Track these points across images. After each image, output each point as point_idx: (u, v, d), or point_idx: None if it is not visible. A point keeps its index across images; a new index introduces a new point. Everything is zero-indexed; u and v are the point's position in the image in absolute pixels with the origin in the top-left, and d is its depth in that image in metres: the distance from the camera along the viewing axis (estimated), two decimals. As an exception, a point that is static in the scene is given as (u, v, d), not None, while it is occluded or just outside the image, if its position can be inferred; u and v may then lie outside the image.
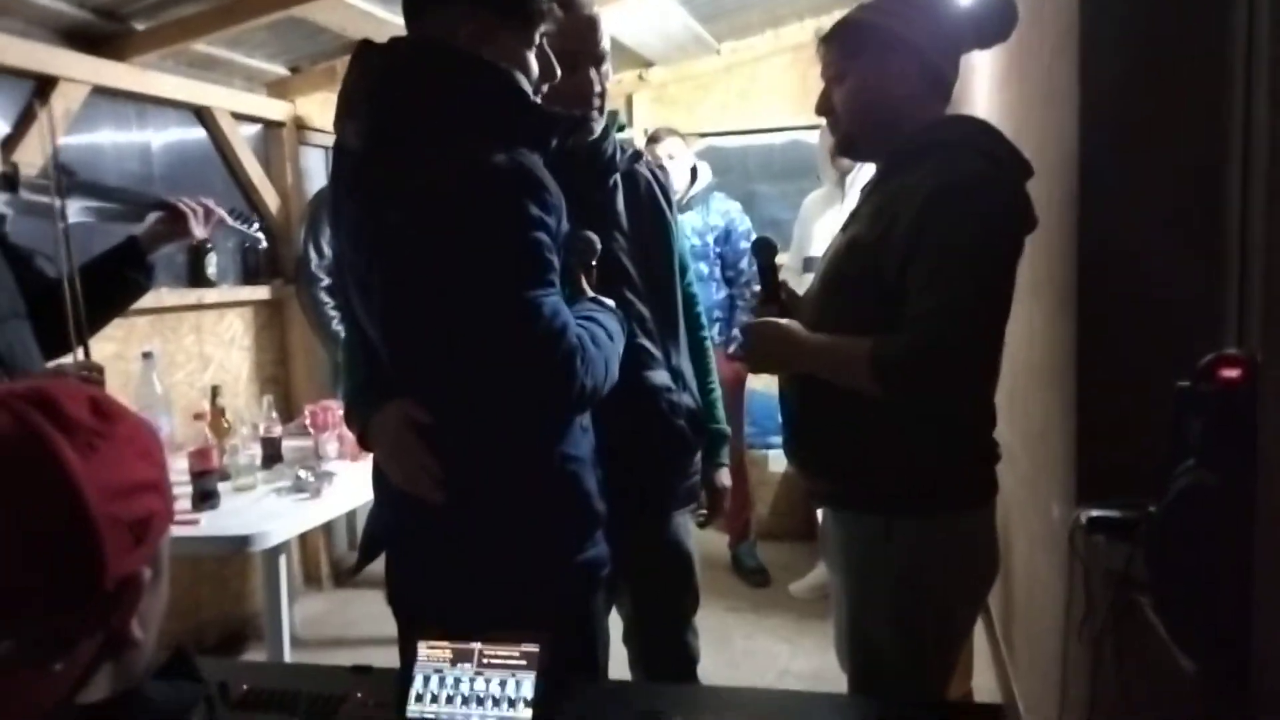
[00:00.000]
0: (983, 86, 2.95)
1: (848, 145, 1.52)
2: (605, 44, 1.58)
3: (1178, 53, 1.44)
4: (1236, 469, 0.93)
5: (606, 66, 1.59)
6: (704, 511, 1.88)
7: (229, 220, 2.07)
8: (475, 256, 1.23)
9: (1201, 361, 1.04)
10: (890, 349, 1.31)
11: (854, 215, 1.50)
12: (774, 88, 4.64)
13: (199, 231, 1.96)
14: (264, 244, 1.99)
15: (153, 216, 2.01)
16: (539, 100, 1.36)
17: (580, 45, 1.53)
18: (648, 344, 1.62)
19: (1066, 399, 1.66)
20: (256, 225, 2.32)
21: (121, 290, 1.92)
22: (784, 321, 1.44)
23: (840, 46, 1.46)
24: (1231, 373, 1.00)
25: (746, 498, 3.86)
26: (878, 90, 1.43)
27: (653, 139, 3.67)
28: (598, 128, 1.60)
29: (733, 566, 3.79)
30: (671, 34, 4.19)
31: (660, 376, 1.64)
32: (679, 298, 1.74)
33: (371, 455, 1.44)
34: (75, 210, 1.81)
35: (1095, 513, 1.39)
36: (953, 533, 1.41)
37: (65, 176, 1.82)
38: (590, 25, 1.55)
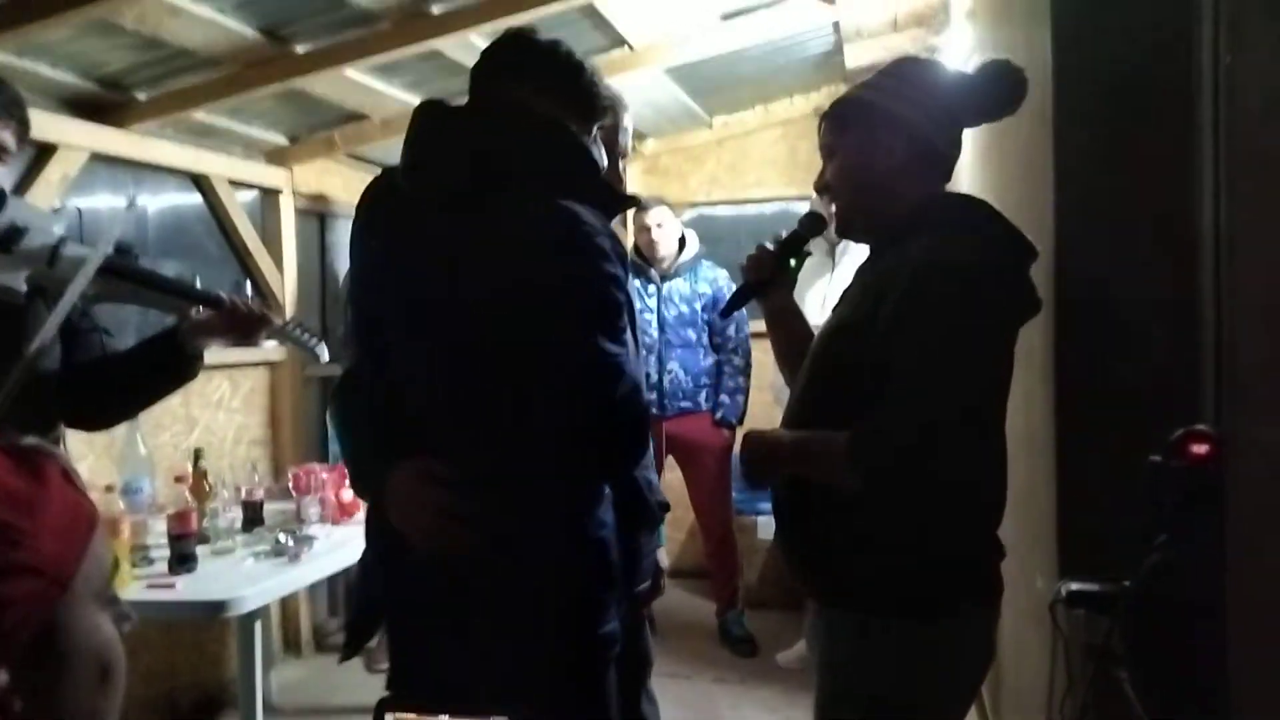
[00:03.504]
0: (967, 159, 3.01)
1: (844, 224, 1.49)
2: (627, 144, 1.69)
3: (1150, 123, 1.48)
4: (1206, 544, 0.93)
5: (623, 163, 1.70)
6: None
7: (286, 328, 1.83)
8: (566, 308, 1.25)
9: (1172, 437, 1.05)
10: (867, 440, 1.26)
11: (844, 296, 1.48)
12: (764, 160, 4.74)
13: (254, 339, 1.75)
14: (326, 359, 1.63)
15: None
16: None
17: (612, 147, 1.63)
18: None
19: (1047, 468, 1.66)
20: (316, 340, 2.00)
21: (167, 381, 1.80)
22: (767, 432, 1.43)
23: (831, 123, 1.46)
24: (1200, 449, 1.01)
25: (735, 565, 3.82)
26: (864, 165, 1.41)
27: (641, 208, 3.73)
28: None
29: (720, 636, 3.74)
30: (665, 108, 4.30)
31: None
32: None
33: (358, 518, 1.42)
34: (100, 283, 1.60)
35: (1075, 586, 1.37)
36: (939, 640, 1.34)
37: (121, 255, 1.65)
38: (615, 129, 1.64)
